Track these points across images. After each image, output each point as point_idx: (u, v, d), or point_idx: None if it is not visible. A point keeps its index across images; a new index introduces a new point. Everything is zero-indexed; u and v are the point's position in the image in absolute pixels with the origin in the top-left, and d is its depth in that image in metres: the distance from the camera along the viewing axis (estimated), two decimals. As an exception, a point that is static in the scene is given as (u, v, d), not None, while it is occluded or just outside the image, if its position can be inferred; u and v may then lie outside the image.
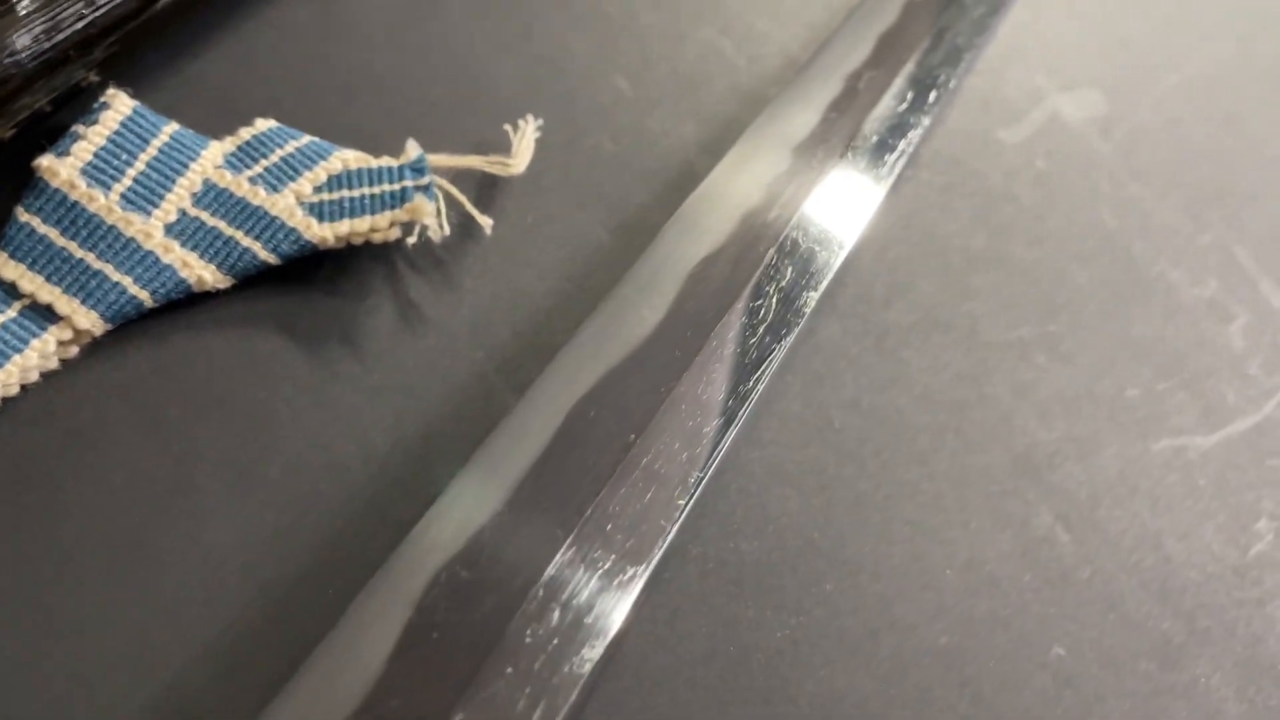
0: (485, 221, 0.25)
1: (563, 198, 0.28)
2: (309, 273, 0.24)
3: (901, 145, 0.30)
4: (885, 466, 0.26)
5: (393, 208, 0.24)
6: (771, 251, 0.25)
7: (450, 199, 0.25)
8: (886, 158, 0.29)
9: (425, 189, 0.24)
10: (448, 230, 0.24)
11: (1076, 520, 0.27)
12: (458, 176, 0.26)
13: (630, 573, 0.19)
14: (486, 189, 0.27)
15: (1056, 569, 0.26)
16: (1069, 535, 0.27)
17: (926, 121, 0.31)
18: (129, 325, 0.23)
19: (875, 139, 0.29)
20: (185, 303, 0.23)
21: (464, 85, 0.29)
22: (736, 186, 0.27)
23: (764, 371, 0.23)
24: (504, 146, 0.27)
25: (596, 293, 0.26)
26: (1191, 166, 0.35)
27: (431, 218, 0.24)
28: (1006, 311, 0.30)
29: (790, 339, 0.24)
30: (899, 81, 0.30)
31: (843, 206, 0.27)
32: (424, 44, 0.29)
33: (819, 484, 0.26)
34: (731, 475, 0.25)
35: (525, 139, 0.26)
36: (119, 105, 0.23)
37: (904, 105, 0.30)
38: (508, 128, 0.27)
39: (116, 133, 0.23)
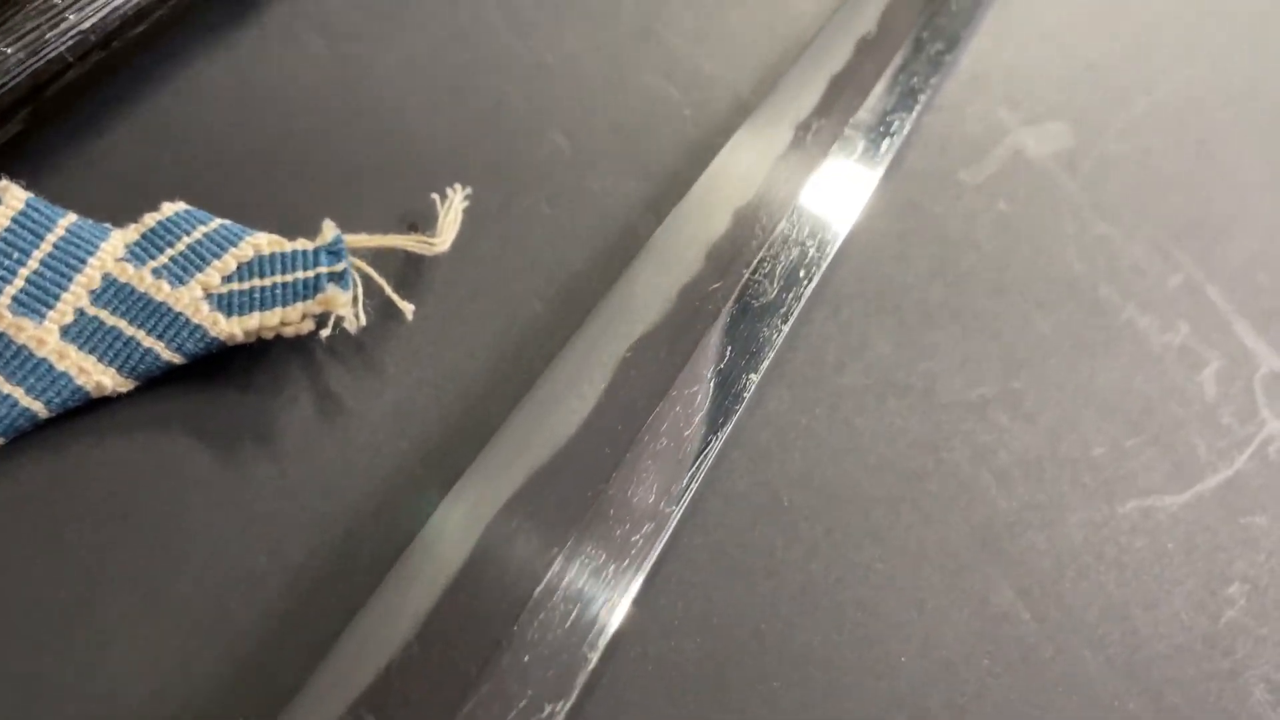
0: (406, 307, 0.24)
1: (496, 268, 0.27)
2: (220, 367, 0.23)
3: (855, 198, 0.28)
4: (837, 546, 0.25)
5: (306, 298, 0.23)
6: (711, 331, 0.24)
7: (370, 283, 0.24)
8: (839, 214, 0.28)
9: (340, 276, 0.23)
10: (364, 320, 0.23)
11: (1039, 594, 0.26)
12: (382, 252, 0.25)
13: (549, 709, 0.18)
14: (413, 263, 0.26)
15: (1017, 650, 0.25)
16: (1030, 612, 0.25)
17: (881, 170, 0.29)
18: (23, 436, 0.22)
19: (826, 194, 0.28)
20: (85, 408, 0.22)
21: (391, 150, 0.28)
22: (677, 254, 0.26)
23: (699, 467, 0.22)
24: (433, 216, 0.26)
25: (531, 370, 0.25)
26: (1162, 200, 0.33)
27: (346, 308, 0.22)
28: (966, 369, 0.29)
29: (729, 427, 0.23)
30: (851, 130, 0.29)
31: (791, 270, 0.26)
32: (349, 107, 0.28)
33: (766, 569, 0.24)
34: (672, 565, 0.24)
35: (452, 212, 0.25)
36: (10, 199, 0.22)
37: (856, 156, 0.28)
38: (435, 197, 0.26)
39: (8, 229, 0.22)
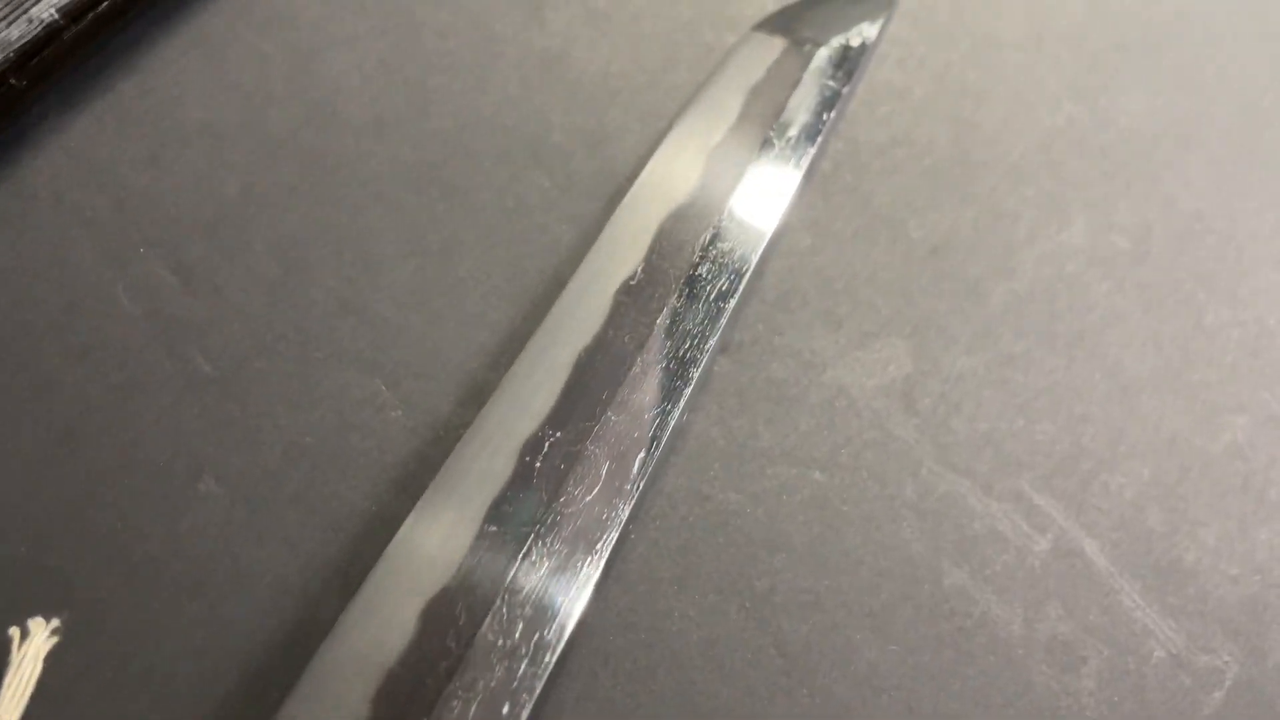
0: None
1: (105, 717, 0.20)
2: None
3: (601, 543, 0.22)
4: None
5: None
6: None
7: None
8: (580, 564, 0.21)
9: None
10: None
11: None
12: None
13: None
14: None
15: None
16: None
17: (649, 470, 0.23)
18: None
19: (568, 536, 0.21)
20: None
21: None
22: (375, 641, 0.19)
23: None
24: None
25: None
26: (1026, 430, 0.27)
27: None
28: (765, 740, 0.22)
29: None
30: (593, 446, 0.22)
31: (501, 687, 0.20)
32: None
33: None
34: None
35: (25, 665, 0.18)
36: None
37: (593, 494, 0.22)
38: (13, 633, 0.19)
39: None
